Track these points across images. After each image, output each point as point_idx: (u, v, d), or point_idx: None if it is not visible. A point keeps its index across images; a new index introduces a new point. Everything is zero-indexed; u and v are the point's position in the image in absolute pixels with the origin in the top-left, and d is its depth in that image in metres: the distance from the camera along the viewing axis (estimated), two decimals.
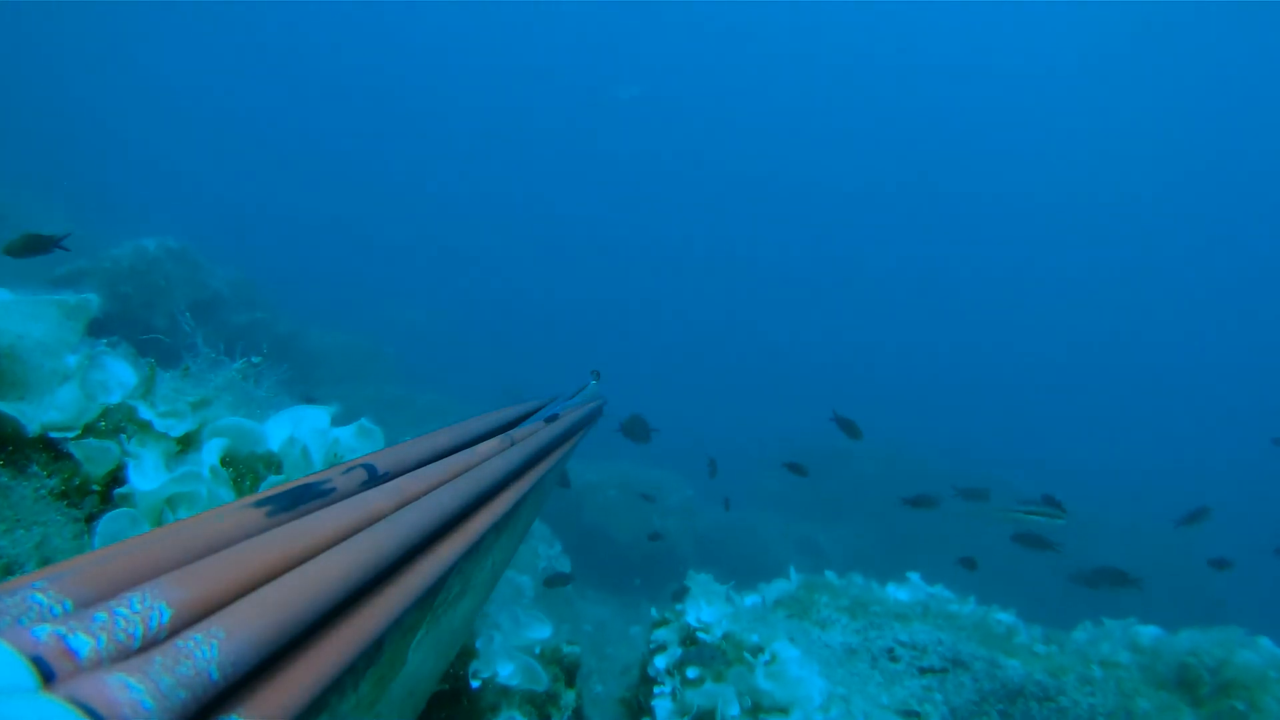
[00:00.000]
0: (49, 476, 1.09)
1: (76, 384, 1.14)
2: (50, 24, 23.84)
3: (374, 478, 0.87)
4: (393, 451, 0.98)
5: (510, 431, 1.34)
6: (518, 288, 30.72)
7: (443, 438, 1.13)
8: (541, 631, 1.47)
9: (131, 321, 7.22)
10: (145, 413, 1.15)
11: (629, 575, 8.93)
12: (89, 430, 1.14)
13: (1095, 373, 30.51)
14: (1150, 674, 2.94)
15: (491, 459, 1.12)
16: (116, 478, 1.13)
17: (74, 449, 1.10)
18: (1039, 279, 35.58)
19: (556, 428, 1.65)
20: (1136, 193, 31.72)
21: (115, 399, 1.17)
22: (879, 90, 33.87)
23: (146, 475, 1.09)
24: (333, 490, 0.79)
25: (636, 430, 5.89)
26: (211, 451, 1.16)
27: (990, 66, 31.24)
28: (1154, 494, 12.59)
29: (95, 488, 1.12)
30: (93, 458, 1.11)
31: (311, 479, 0.80)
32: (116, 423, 1.15)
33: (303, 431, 1.28)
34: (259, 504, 0.69)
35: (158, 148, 26.65)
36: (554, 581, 5.16)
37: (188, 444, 1.19)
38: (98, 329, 1.26)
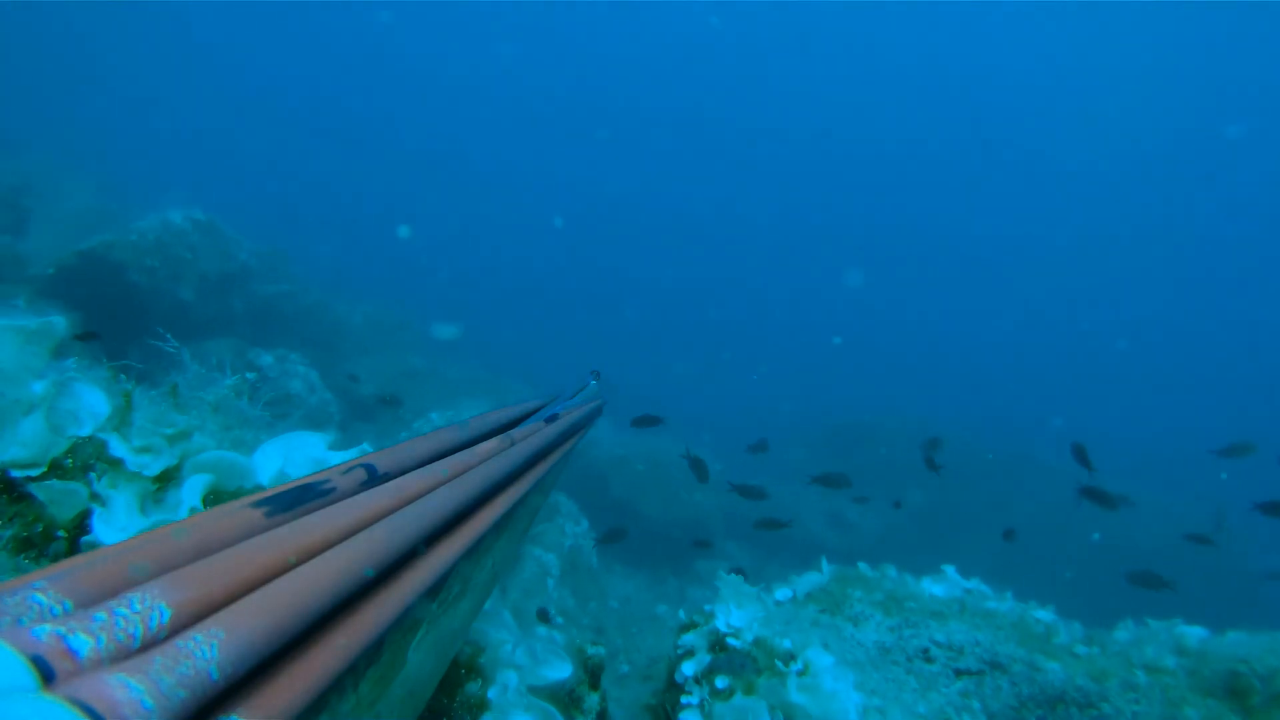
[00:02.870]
0: (8, 522, 0.98)
1: (42, 415, 1.02)
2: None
3: (374, 478, 0.87)
4: (393, 451, 0.98)
5: (510, 431, 1.34)
6: (547, 268, 30.68)
7: (443, 437, 1.13)
8: (561, 671, 1.36)
9: (158, 294, 7.21)
10: (118, 448, 1.03)
11: (657, 550, 8.89)
12: (55, 467, 1.02)
13: (1123, 347, 29.70)
14: (1197, 679, 2.83)
15: (492, 459, 1.12)
16: (84, 524, 1.01)
17: (36, 490, 0.99)
18: (1074, 251, 34.58)
19: (556, 428, 1.65)
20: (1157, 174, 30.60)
21: (85, 431, 1.05)
22: (896, 71, 32.87)
23: (114, 524, 0.97)
24: (332, 490, 0.79)
25: (699, 469, 6.32)
26: (192, 491, 1.04)
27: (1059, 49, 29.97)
28: (1187, 475, 12.20)
29: (61, 534, 1.00)
30: (57, 501, 0.99)
31: (311, 479, 0.80)
32: (86, 459, 1.04)
33: (296, 462, 1.15)
34: (258, 504, 0.69)
35: (185, 120, 26.73)
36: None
37: (166, 480, 1.07)
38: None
